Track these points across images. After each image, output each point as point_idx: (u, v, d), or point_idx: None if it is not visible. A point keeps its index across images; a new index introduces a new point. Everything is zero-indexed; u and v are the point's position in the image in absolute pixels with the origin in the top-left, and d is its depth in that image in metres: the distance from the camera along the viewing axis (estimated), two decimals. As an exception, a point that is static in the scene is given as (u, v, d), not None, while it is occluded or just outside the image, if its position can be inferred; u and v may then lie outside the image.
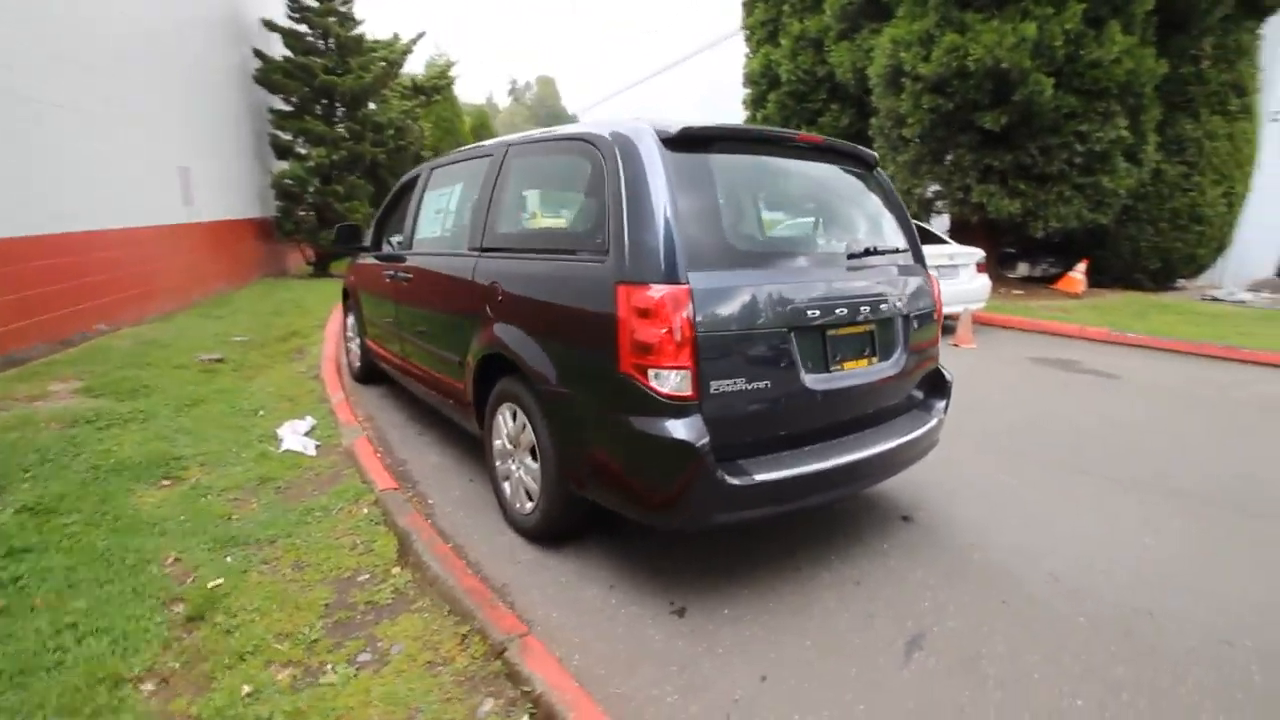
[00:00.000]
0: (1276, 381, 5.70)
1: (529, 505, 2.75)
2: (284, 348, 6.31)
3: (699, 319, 2.07)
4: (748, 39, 12.62)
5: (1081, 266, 10.10)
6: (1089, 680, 2.01)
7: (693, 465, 2.05)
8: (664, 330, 2.04)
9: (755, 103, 12.23)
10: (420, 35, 11.34)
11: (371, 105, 11.55)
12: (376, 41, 11.57)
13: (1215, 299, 10.49)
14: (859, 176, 2.84)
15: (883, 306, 2.56)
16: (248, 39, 10.47)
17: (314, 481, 3.26)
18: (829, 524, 2.94)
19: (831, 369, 2.40)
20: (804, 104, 11.32)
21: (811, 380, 2.32)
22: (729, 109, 22.17)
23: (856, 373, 2.49)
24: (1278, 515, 3.14)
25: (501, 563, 2.59)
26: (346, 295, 5.43)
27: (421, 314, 3.59)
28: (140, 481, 3.12)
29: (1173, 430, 4.34)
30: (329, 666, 1.97)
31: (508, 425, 2.82)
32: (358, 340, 5.18)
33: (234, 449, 3.60)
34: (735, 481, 2.10)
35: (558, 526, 2.66)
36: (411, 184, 4.35)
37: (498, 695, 1.83)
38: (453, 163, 3.68)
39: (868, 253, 2.63)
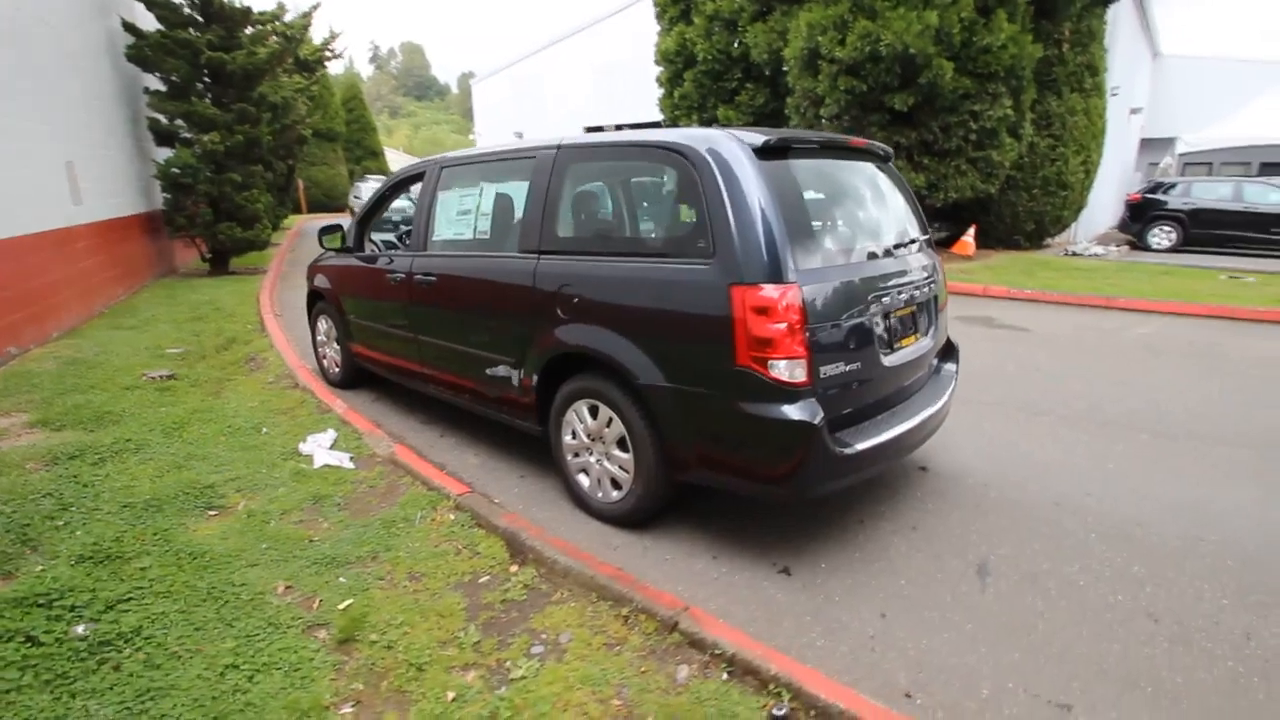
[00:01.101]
0: (1147, 324, 6.87)
1: (616, 493, 2.92)
2: (231, 358, 5.87)
3: (807, 312, 2.33)
4: (659, 16, 12.73)
5: (971, 231, 11.35)
6: (1119, 580, 2.53)
7: (810, 442, 2.33)
8: (782, 326, 2.28)
9: (671, 81, 12.44)
10: (316, 5, 10.44)
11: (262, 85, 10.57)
12: (263, 13, 10.54)
13: (1074, 253, 12.17)
14: (885, 170, 3.19)
15: (923, 288, 2.94)
16: (114, 8, 9.21)
17: (372, 494, 3.21)
18: (867, 482, 3.34)
19: (895, 347, 2.76)
20: (720, 83, 11.69)
21: (886, 358, 2.66)
22: (629, 83, 22.23)
23: (911, 348, 2.86)
24: (1185, 435, 3.93)
25: (601, 549, 2.76)
26: (315, 299, 5.16)
27: (452, 317, 3.57)
28: (186, 515, 2.94)
29: (1085, 372, 5.18)
30: (508, 663, 2.08)
31: (585, 421, 2.95)
32: (335, 345, 4.97)
33: (262, 470, 3.43)
34: (842, 451, 2.40)
35: (649, 510, 2.86)
36: (407, 182, 4.23)
37: (688, 661, 2.04)
38: (474, 162, 3.64)
39: (909, 241, 3.00)
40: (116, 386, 4.81)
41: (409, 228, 4.92)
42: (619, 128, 26.81)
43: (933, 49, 8.47)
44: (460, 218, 3.59)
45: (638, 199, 3.04)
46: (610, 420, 2.84)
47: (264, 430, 4.01)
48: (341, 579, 2.49)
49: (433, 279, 3.63)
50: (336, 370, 5.08)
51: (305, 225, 18.88)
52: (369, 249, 4.60)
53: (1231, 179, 13.62)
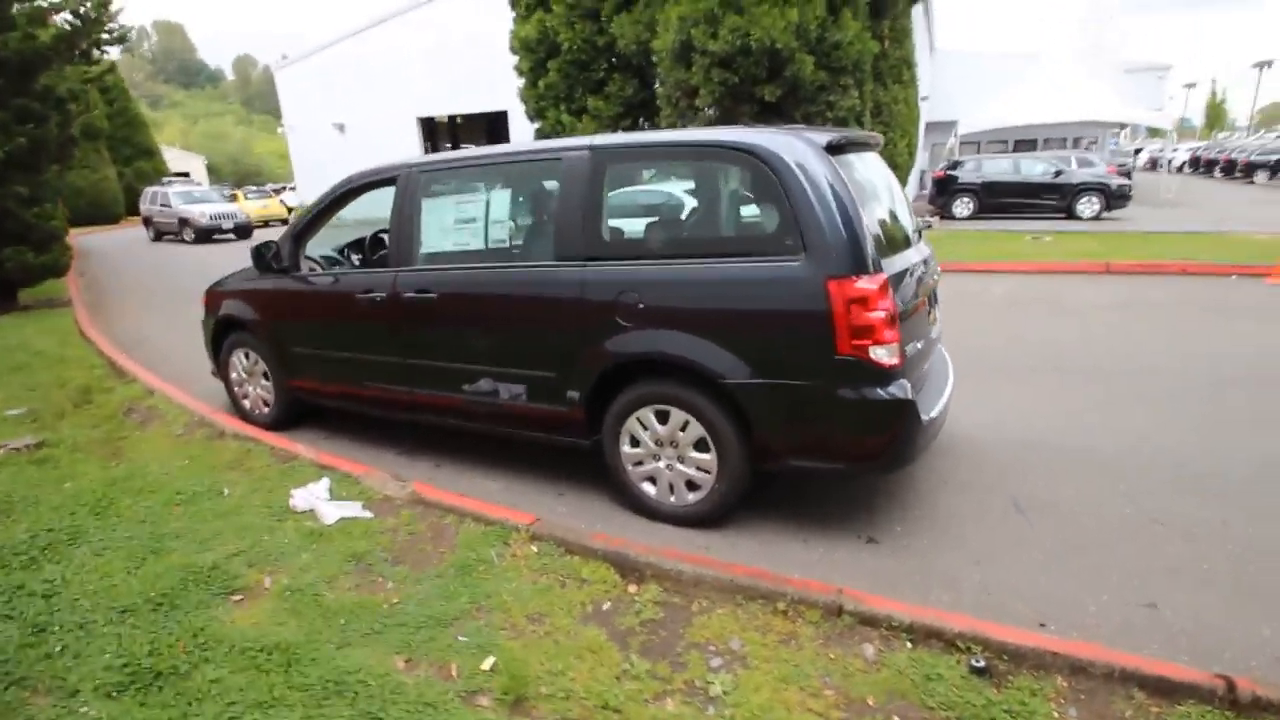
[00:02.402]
0: (1001, 284, 8.15)
1: (694, 495, 2.93)
2: (101, 412, 4.83)
3: (895, 298, 2.52)
4: (513, 3, 12.29)
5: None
6: (1115, 498, 3.08)
7: (907, 417, 2.54)
8: (880, 314, 2.44)
9: (534, 70, 12.11)
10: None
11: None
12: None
13: (905, 225, 13.94)
14: (884, 161, 3.47)
15: (931, 274, 3.28)
16: None
17: (420, 541, 2.89)
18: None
19: (929, 325, 3.06)
20: (587, 73, 11.62)
21: (930, 335, 2.95)
22: (469, 69, 21.17)
23: (934, 325, 3.19)
24: (1090, 371, 4.81)
25: (697, 552, 2.76)
26: (224, 330, 4.42)
27: (461, 336, 3.28)
28: (208, 606, 2.43)
29: (987, 327, 6.08)
30: (697, 681, 2.05)
31: (652, 428, 2.91)
32: (264, 382, 4.32)
33: (263, 538, 2.92)
34: (924, 421, 2.64)
35: (730, 507, 2.91)
36: (358, 190, 3.77)
37: (867, 640, 2.15)
38: (469, 166, 3.34)
39: (917, 230, 3.31)
40: (-34, 467, 3.76)
41: (352, 241, 4.43)
42: (454, 119, 25.37)
43: (795, 43, 9.17)
44: (461, 227, 3.29)
45: (698, 199, 3.01)
46: (686, 424, 2.83)
47: (225, 492, 3.39)
48: (460, 638, 2.24)
49: (430, 296, 3.30)
50: (265, 410, 4.42)
51: (79, 241, 15.69)
52: (306, 268, 4.05)
53: (1010, 155, 16.44)
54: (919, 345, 2.80)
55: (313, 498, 3.20)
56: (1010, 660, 2.03)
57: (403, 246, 3.44)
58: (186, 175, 38.11)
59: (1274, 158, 24.67)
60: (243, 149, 62.88)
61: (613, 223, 2.94)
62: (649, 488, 3.04)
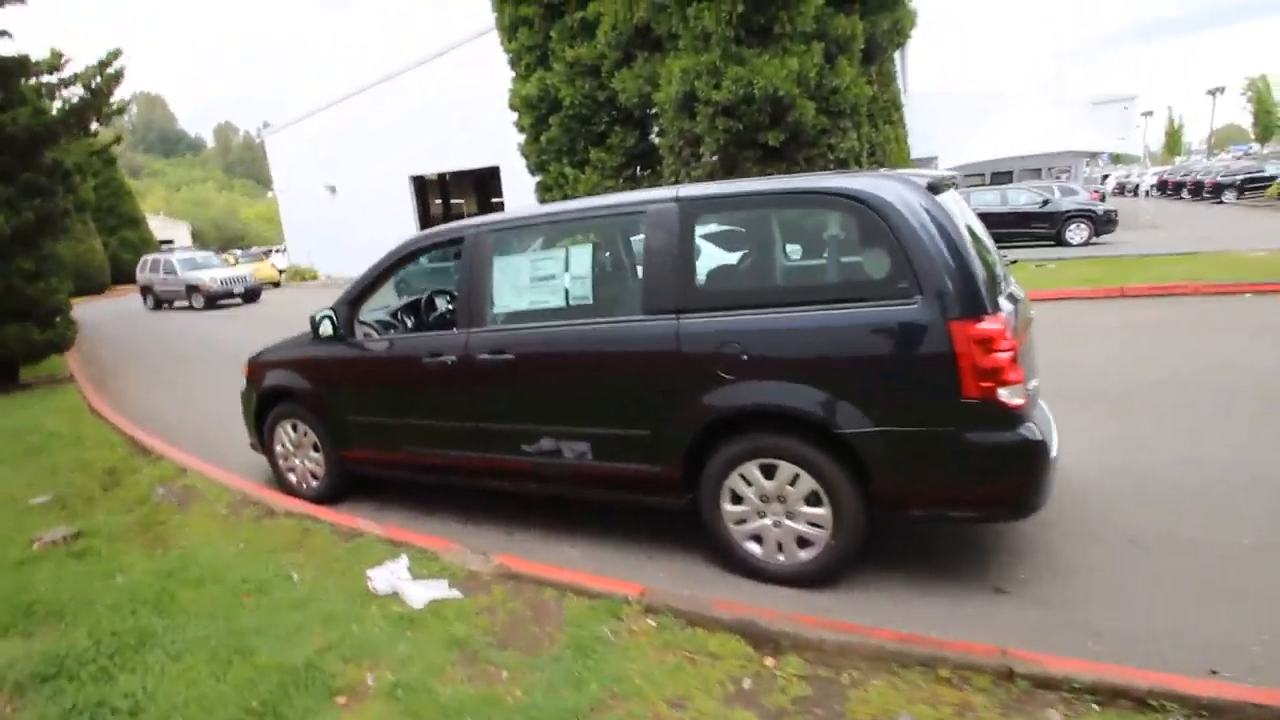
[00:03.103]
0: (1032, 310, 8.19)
1: (805, 553, 2.79)
2: (132, 494, 4.59)
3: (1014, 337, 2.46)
4: (513, 63, 12.58)
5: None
6: (1258, 534, 2.97)
7: (1039, 458, 2.44)
8: (1006, 354, 2.37)
9: (535, 125, 12.32)
10: (116, 52, 8.62)
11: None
12: (39, 62, 8.52)
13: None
14: None
15: (1029, 306, 3.24)
16: None
17: (523, 621, 2.69)
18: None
19: (1034, 362, 3.00)
20: (588, 126, 11.84)
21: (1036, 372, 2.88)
22: (454, 127, 21.54)
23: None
24: (1135, 395, 4.78)
25: (817, 615, 2.61)
26: (269, 403, 4.26)
27: (542, 397, 3.17)
28: (314, 714, 2.22)
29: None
30: (879, 768, 1.87)
31: (757, 483, 2.79)
32: (314, 454, 4.14)
33: (352, 628, 2.71)
34: (1050, 460, 2.54)
35: (845, 563, 2.77)
36: (420, 252, 3.70)
37: (1049, 705, 2.00)
38: (543, 223, 3.29)
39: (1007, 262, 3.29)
40: (4, 565, 3.51)
41: (405, 303, 4.34)
42: (443, 176, 25.53)
43: (796, 90, 9.42)
44: (539, 284, 3.21)
45: (797, 247, 2.97)
46: (795, 477, 2.72)
47: (294, 577, 3.17)
48: (605, 732, 2.05)
49: (507, 357, 3.19)
50: (314, 483, 4.23)
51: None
52: (361, 333, 3.93)
53: (996, 187, 16.90)
54: (1034, 383, 2.73)
55: (394, 578, 3.01)
56: (1210, 716, 1.89)
57: (474, 307, 3.34)
58: (170, 242, 38.04)
59: (1239, 178, 25.67)
60: (227, 214, 63.10)
61: (705, 274, 2.88)
62: (754, 547, 2.89)
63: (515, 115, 12.99)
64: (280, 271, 27.04)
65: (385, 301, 4.59)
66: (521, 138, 13.08)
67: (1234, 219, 19.46)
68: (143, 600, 3.02)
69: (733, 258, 2.92)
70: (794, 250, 2.94)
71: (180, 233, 48.37)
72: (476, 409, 3.36)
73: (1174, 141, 55.38)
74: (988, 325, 2.38)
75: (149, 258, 20.57)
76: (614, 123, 11.76)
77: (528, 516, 3.74)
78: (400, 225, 24.41)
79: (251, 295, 19.07)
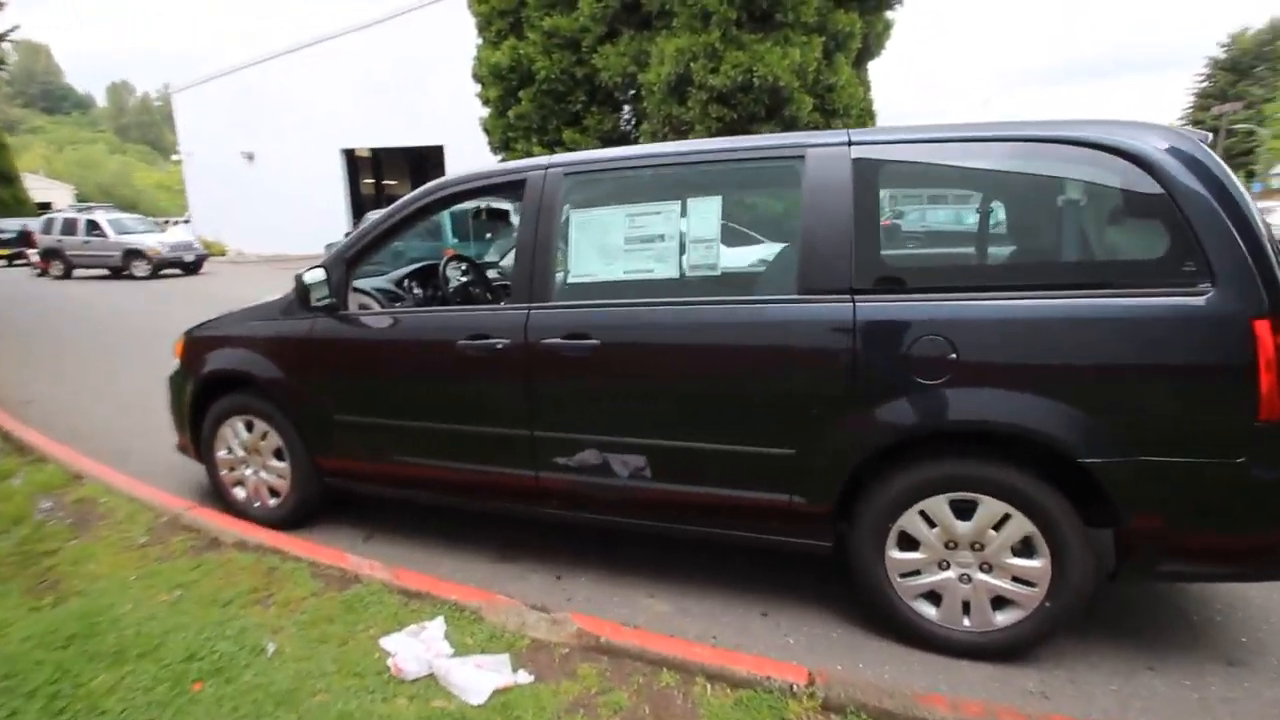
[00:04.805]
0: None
1: (1001, 617, 2.13)
2: (5, 510, 3.37)
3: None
4: (482, 28, 11.48)
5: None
6: None
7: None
8: (1324, 365, 1.80)
9: (504, 98, 11.26)
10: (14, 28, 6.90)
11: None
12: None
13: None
14: None
15: None
16: None
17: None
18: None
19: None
20: (562, 104, 10.93)
21: None
22: (403, 100, 19.84)
23: None
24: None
25: (1033, 701, 1.95)
26: (213, 391, 3.20)
27: (650, 398, 2.36)
28: None
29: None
30: None
31: (945, 525, 2.11)
32: (276, 463, 3.13)
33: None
34: None
35: (1053, 634, 2.12)
36: (454, 199, 2.79)
37: None
38: (648, 165, 2.46)
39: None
40: None
41: (417, 268, 3.39)
42: (376, 153, 23.33)
43: (796, 83, 8.96)
44: (640, 249, 2.38)
45: (1029, 212, 2.27)
46: (1004, 519, 2.04)
47: (269, 648, 2.19)
48: None
49: (590, 343, 2.35)
50: (272, 502, 3.20)
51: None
52: (356, 304, 2.97)
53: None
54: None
55: (427, 654, 2.09)
56: None
57: (539, 275, 2.47)
58: (49, 205, 33.54)
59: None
60: (119, 179, 56.80)
61: (893, 244, 2.17)
62: (927, 608, 2.20)
63: (478, 86, 11.91)
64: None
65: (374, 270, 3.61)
66: (484, 111, 12.00)
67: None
68: (25, 691, 1.96)
69: (932, 223, 2.23)
70: (1024, 217, 2.26)
71: (61, 195, 42.87)
72: (536, 411, 2.49)
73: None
74: (1302, 326, 1.79)
75: (57, 216, 17.84)
76: (591, 102, 10.91)
77: (574, 551, 2.89)
78: (328, 201, 22.44)
79: (196, 267, 17.16)
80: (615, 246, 2.43)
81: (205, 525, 3.08)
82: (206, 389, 3.22)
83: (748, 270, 2.53)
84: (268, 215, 22.58)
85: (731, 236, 2.52)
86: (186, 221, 26.83)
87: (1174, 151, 1.90)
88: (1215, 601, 2.46)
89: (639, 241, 2.39)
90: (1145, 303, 1.88)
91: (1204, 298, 1.83)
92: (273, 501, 3.20)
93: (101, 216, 17.20)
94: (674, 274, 2.35)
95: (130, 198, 54.78)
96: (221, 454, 3.27)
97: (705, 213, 2.32)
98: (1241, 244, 1.82)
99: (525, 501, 2.67)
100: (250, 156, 23.33)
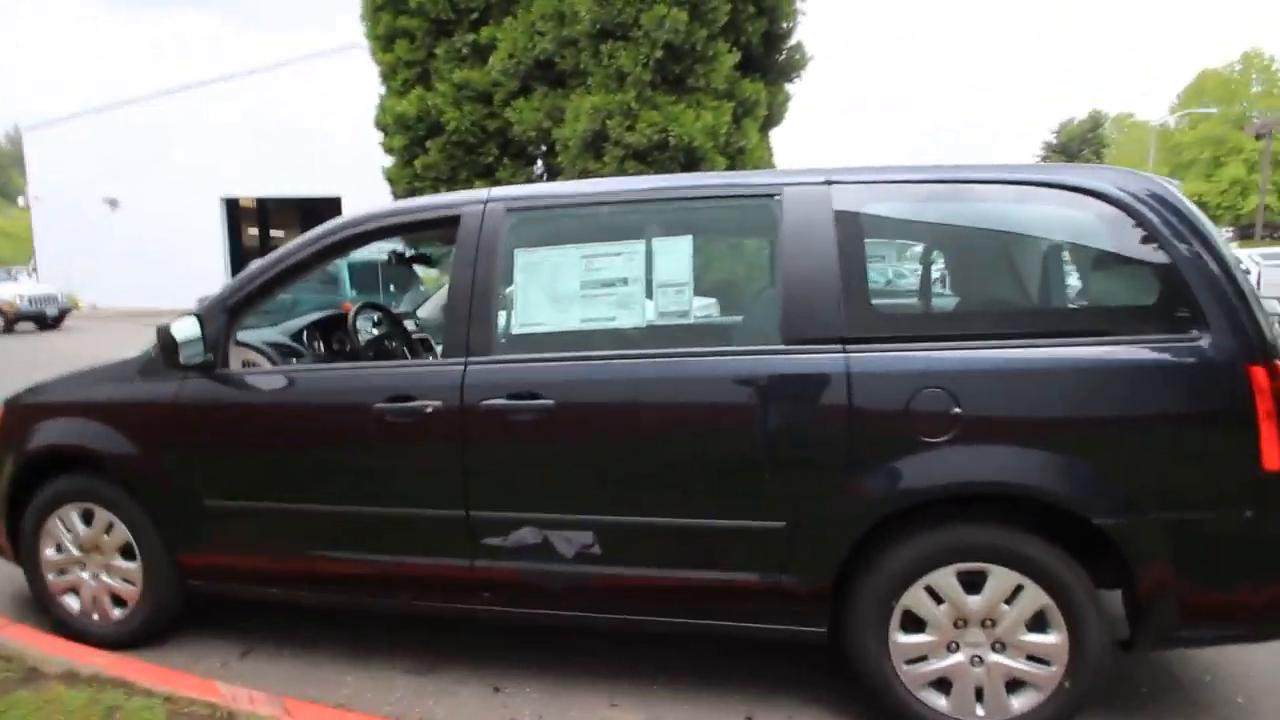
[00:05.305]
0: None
1: (1018, 702, 1.91)
2: None
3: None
4: (387, 77, 11.05)
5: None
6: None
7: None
8: (1318, 410, 1.76)
9: (410, 148, 10.78)
10: None
11: None
12: None
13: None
14: None
15: None
16: None
17: None
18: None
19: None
20: (474, 155, 10.61)
21: None
22: (286, 149, 18.76)
23: None
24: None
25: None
26: (43, 471, 2.52)
27: (612, 466, 2.02)
28: None
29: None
30: None
31: (953, 601, 1.89)
32: (118, 564, 2.48)
33: None
34: None
35: (1079, 709, 1.92)
36: (367, 238, 2.39)
37: None
38: (604, 203, 2.18)
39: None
40: None
41: (316, 317, 2.91)
42: (263, 203, 21.90)
43: (710, 144, 9.21)
44: (596, 294, 2.06)
45: (1022, 256, 2.13)
46: (1016, 590, 1.85)
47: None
48: None
49: (542, 404, 1.99)
50: (115, 614, 2.53)
51: None
52: (239, 361, 2.46)
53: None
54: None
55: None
56: None
57: (478, 324, 2.09)
58: None
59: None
60: (-56, 224, 49.74)
61: (884, 289, 1.99)
62: (936, 698, 1.93)
63: (380, 135, 11.40)
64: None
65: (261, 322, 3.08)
66: (388, 161, 11.46)
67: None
68: None
69: (922, 269, 2.08)
70: (1018, 262, 2.16)
71: None
72: (474, 487, 2.07)
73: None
74: (1296, 371, 1.76)
75: None
76: (504, 154, 10.70)
77: (514, 651, 2.41)
78: (205, 253, 20.62)
79: (55, 322, 15.33)
80: (569, 291, 2.11)
81: (20, 650, 2.34)
82: (31, 469, 2.52)
83: (721, 320, 2.28)
84: (133, 266, 20.34)
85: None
86: (32, 271, 23.68)
87: (1158, 198, 1.87)
88: (1194, 664, 2.36)
89: (598, 286, 2.08)
90: (1152, 348, 1.79)
91: (1201, 343, 1.77)
92: (117, 613, 2.50)
93: None
94: (637, 321, 2.05)
95: (-40, 245, 48.02)
96: (49, 553, 2.54)
97: (675, 253, 2.06)
98: (1230, 291, 1.78)
99: (459, 598, 2.19)
100: (114, 203, 21.11)
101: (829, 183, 2.00)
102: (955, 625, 1.90)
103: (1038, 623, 1.86)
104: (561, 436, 2.01)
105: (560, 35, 9.63)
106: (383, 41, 10.93)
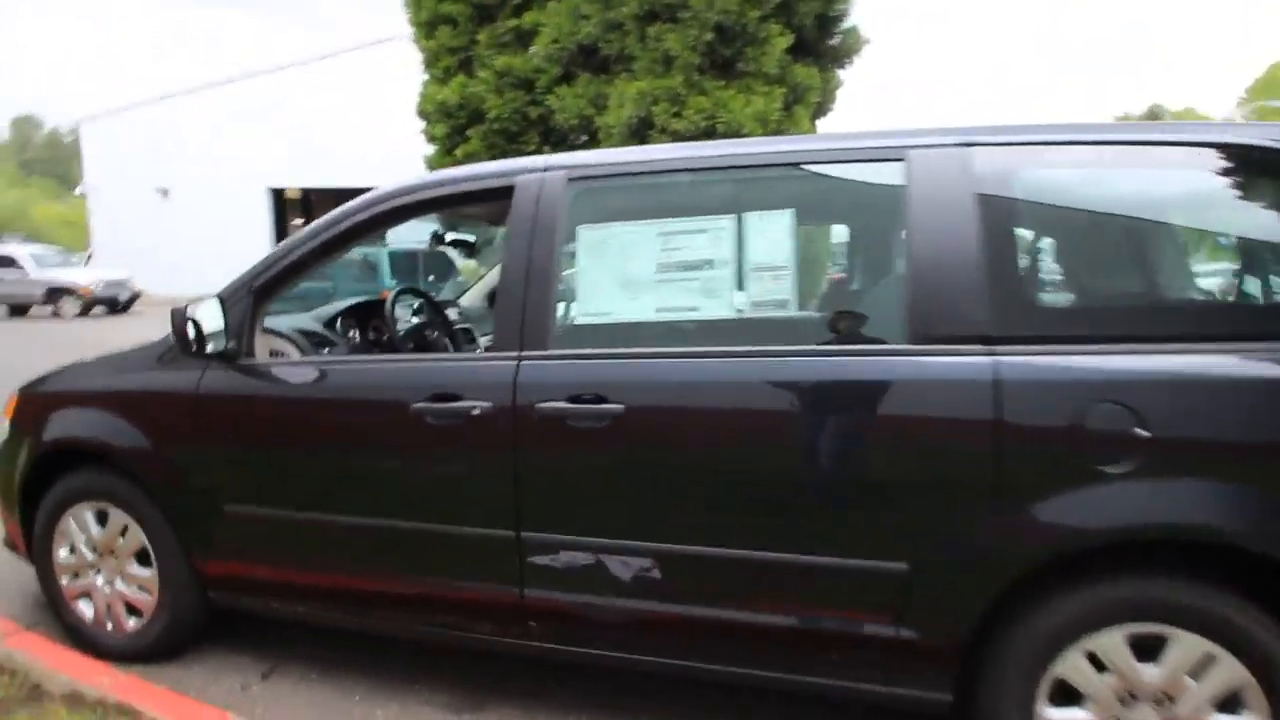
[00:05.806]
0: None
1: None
2: None
3: None
4: (429, 64, 10.90)
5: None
6: None
7: None
8: None
9: (451, 136, 10.62)
10: None
11: None
12: None
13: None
14: None
15: None
16: None
17: None
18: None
19: None
20: (515, 144, 10.38)
21: None
22: (329, 140, 18.94)
23: None
24: None
25: None
26: (57, 466, 2.31)
27: (694, 487, 1.68)
28: None
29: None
30: None
31: (1124, 669, 1.50)
32: (133, 570, 2.25)
33: None
34: None
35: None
36: (406, 212, 2.10)
37: None
38: (686, 170, 1.84)
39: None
40: None
41: (351, 303, 2.65)
42: (308, 194, 22.15)
43: (760, 131, 8.77)
44: (674, 279, 1.73)
45: (1211, 236, 1.74)
46: (1208, 659, 1.45)
47: None
48: None
49: (609, 409, 1.66)
50: (132, 624, 2.29)
51: None
52: (265, 350, 2.19)
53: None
54: None
55: None
56: None
57: (533, 313, 1.77)
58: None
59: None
60: (15, 213, 52.27)
61: (1044, 278, 1.62)
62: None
63: (422, 124, 11.26)
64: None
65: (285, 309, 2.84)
66: (429, 150, 11.31)
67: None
68: None
69: (1091, 255, 1.68)
70: (1219, 244, 1.75)
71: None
72: (525, 503, 1.76)
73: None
74: None
75: None
76: (545, 142, 10.42)
77: (569, 689, 2.11)
78: (253, 243, 20.91)
79: (127, 305, 16.12)
80: (642, 276, 1.77)
81: (25, 664, 2.12)
82: (45, 464, 2.30)
83: (838, 308, 1.91)
84: (184, 254, 20.83)
85: None
86: (89, 258, 24.51)
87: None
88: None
89: (677, 269, 1.74)
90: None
91: None
92: (132, 623, 2.28)
93: (18, 250, 15.52)
94: (728, 313, 1.71)
95: (29, 231, 50.47)
96: (62, 555, 2.33)
97: (773, 231, 1.70)
98: None
99: (504, 629, 1.89)
100: (165, 192, 21.63)
101: (968, 144, 1.62)
102: (1121, 701, 1.51)
103: (1230, 701, 1.47)
104: (632, 448, 1.69)
105: (605, 19, 9.30)
106: (425, 28, 10.78)
